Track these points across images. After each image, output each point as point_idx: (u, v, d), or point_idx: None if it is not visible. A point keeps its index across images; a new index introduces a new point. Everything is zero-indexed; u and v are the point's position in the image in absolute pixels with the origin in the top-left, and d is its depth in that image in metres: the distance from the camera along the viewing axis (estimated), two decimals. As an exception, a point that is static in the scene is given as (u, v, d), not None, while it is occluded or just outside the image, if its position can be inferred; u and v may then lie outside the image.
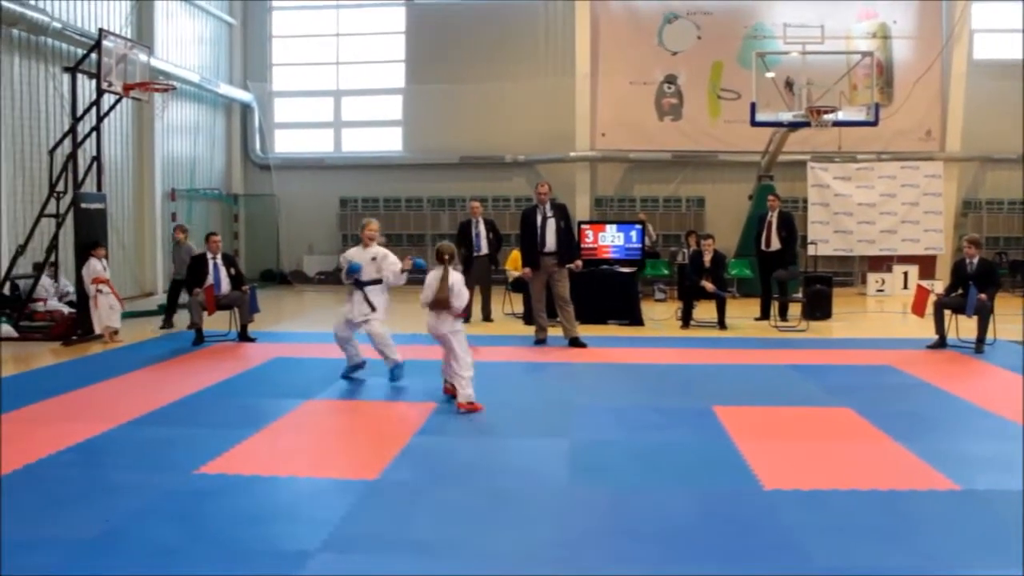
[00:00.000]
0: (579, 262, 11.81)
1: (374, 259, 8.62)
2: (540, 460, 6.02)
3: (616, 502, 5.15)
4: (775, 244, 13.71)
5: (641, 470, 5.78)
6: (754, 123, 16.60)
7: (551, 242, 10.96)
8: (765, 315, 13.48)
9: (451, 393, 7.76)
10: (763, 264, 13.91)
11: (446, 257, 7.69)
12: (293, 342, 11.40)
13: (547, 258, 10.98)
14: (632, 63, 20.10)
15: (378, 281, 8.65)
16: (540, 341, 11.20)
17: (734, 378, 9.05)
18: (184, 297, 12.12)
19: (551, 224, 10.95)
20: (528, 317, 13.18)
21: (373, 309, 8.55)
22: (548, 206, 11.07)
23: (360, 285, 8.61)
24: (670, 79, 20.14)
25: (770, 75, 16.85)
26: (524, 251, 11.27)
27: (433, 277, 7.66)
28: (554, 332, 11.36)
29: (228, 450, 6.21)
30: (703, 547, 4.44)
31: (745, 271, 17.04)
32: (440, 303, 7.55)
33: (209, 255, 11.61)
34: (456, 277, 7.66)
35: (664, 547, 4.42)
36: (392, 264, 8.64)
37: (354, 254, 8.74)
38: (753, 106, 16.39)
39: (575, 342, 10.98)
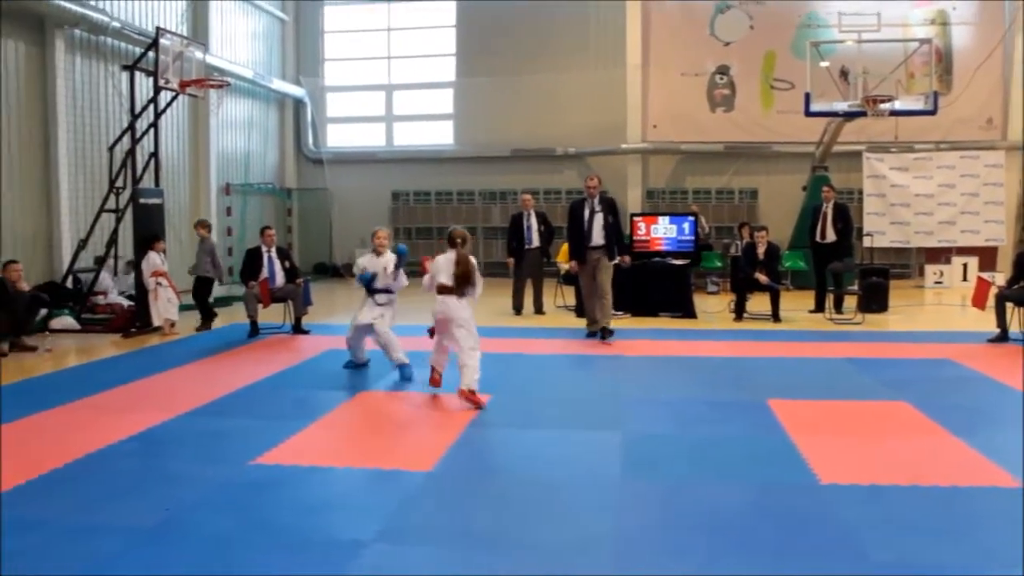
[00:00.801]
0: (627, 258, 11.63)
1: (386, 269, 8.67)
2: (593, 453, 6.01)
3: (669, 496, 5.11)
4: (830, 236, 13.53)
5: (695, 464, 5.74)
6: (808, 113, 16.33)
7: (598, 236, 10.83)
8: (820, 308, 13.32)
9: (438, 384, 7.80)
10: (818, 256, 13.73)
11: (458, 241, 7.66)
12: (346, 334, 11.47)
13: (593, 252, 10.87)
14: (683, 54, 19.92)
15: (389, 290, 8.72)
16: (592, 334, 11.08)
17: (788, 371, 8.95)
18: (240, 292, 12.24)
19: (598, 218, 10.83)
20: (580, 310, 13.16)
21: (381, 315, 8.61)
22: (597, 199, 10.93)
23: (372, 292, 8.68)
24: (722, 70, 19.93)
25: (824, 64, 16.57)
26: (571, 244, 11.17)
27: (445, 260, 7.61)
28: (616, 324, 11.30)
29: (283, 441, 6.29)
30: (758, 541, 4.39)
31: (799, 263, 16.82)
32: (464, 278, 7.50)
33: (264, 249, 11.75)
34: (471, 259, 7.69)
35: (718, 541, 4.38)
36: (390, 273, 8.68)
37: (367, 263, 8.80)
38: (807, 96, 16.14)
39: (604, 332, 10.83)
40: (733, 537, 4.44)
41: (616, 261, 11.01)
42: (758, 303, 12.96)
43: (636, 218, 14.71)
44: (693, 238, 14.31)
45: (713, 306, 14.17)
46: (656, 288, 13.24)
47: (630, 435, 6.45)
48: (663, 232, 14.21)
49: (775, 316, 12.53)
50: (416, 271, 9.03)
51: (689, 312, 13.02)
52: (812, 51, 16.52)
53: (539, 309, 13.57)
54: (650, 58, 20.08)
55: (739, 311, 12.81)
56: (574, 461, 5.81)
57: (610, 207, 11.03)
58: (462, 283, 7.54)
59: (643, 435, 6.47)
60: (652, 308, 13.12)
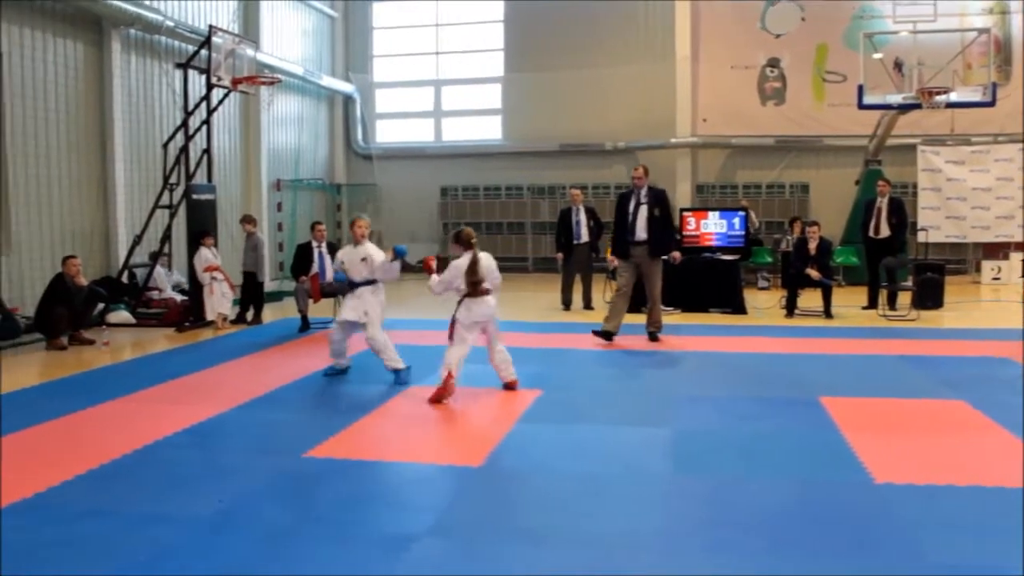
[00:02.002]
0: (676, 254, 11.25)
1: (364, 259, 8.24)
2: (643, 449, 5.99)
3: (720, 492, 5.07)
4: (884, 231, 13.32)
5: (746, 460, 5.69)
6: (861, 106, 16.09)
7: (641, 230, 10.19)
8: (873, 304, 13.12)
9: (453, 391, 7.40)
10: (871, 251, 13.53)
11: (473, 241, 7.62)
12: (396, 329, 11.48)
13: (637, 247, 10.23)
14: (733, 47, 19.74)
15: (372, 281, 8.29)
16: (606, 335, 10.25)
17: (841, 368, 8.82)
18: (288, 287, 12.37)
19: (643, 211, 10.20)
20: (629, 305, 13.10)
21: (365, 312, 8.21)
22: (643, 191, 10.31)
23: (353, 286, 8.32)
24: (773, 62, 19.71)
25: (878, 56, 16.31)
26: (613, 238, 10.69)
27: (463, 262, 7.52)
28: (666, 320, 11.18)
29: (335, 434, 6.35)
30: (810, 540, 4.33)
31: (852, 259, 16.59)
32: (478, 285, 7.46)
33: (314, 244, 11.86)
34: (487, 258, 7.65)
35: (770, 539, 4.34)
36: (380, 264, 8.21)
37: (345, 255, 8.45)
38: (860, 88, 15.90)
39: (652, 336, 10.43)
40: (784, 535, 4.39)
41: (665, 258, 10.60)
42: (809, 299, 12.81)
43: (686, 213, 14.61)
44: (743, 233, 14.18)
45: (763, 302, 14.03)
46: (706, 284, 13.15)
47: (679, 431, 6.41)
48: (713, 227, 14.09)
49: (827, 312, 12.37)
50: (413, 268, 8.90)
51: (739, 308, 12.92)
52: (866, 42, 16.26)
53: (588, 305, 13.54)
54: (699, 51, 19.93)
55: (790, 307, 12.67)
56: (623, 457, 5.79)
57: (658, 199, 10.39)
58: (475, 283, 7.50)
59: (693, 431, 6.43)
60: (702, 304, 13.04)
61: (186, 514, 4.70)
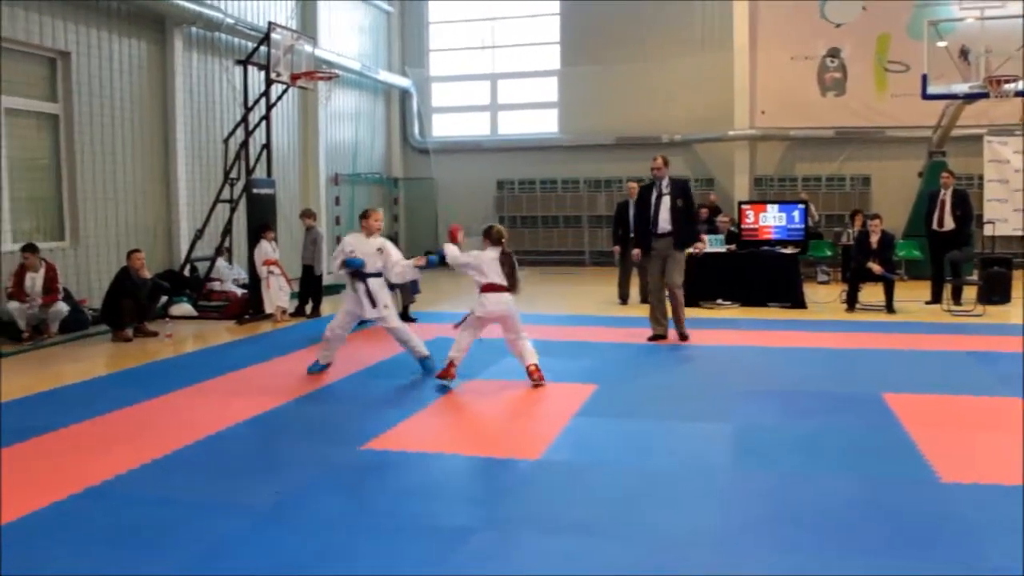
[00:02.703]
0: (700, 244, 10.99)
1: (379, 250, 8.12)
2: (702, 443, 5.93)
3: (780, 488, 5.00)
4: (948, 224, 13.03)
5: (808, 457, 5.60)
6: (925, 96, 15.74)
7: (664, 222, 9.84)
8: (937, 299, 12.83)
9: (453, 377, 7.71)
10: (934, 245, 13.24)
11: (504, 240, 7.67)
12: (453, 322, 11.57)
13: (660, 240, 9.90)
14: (793, 37, 19.46)
15: (379, 274, 8.19)
16: (656, 337, 10.06)
17: (905, 364, 8.65)
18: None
19: (665, 202, 9.84)
20: (687, 298, 12.99)
21: (374, 305, 8.11)
22: (664, 182, 9.94)
23: (362, 278, 8.12)
24: (833, 53, 19.40)
25: (943, 44, 15.92)
26: (636, 231, 10.54)
27: (490, 260, 7.59)
28: (724, 314, 11.09)
29: (392, 427, 6.40)
30: (872, 539, 4.25)
31: (914, 252, 16.25)
32: (514, 277, 7.59)
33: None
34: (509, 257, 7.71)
35: (831, 537, 4.26)
36: (397, 261, 8.16)
37: (354, 243, 8.19)
38: (924, 78, 15.55)
39: (682, 336, 9.98)
40: (846, 533, 4.30)
41: (689, 250, 10.32)
42: (871, 293, 12.59)
43: (744, 206, 14.43)
44: (803, 226, 13.96)
45: (823, 296, 13.81)
46: (764, 278, 12.99)
47: (739, 427, 6.34)
48: (772, 220, 13.89)
49: (889, 307, 12.13)
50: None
51: (798, 302, 12.73)
52: (930, 30, 15.89)
53: (645, 298, 13.42)
54: (758, 42, 19.68)
55: (851, 302, 12.45)
56: (681, 452, 5.75)
57: (680, 190, 10.01)
58: (514, 281, 7.63)
59: (753, 427, 6.35)
60: (760, 298, 12.88)
61: (245, 504, 4.77)
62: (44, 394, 7.75)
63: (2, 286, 10.73)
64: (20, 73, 11.69)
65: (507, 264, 7.64)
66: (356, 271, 8.10)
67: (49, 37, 11.78)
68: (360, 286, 8.12)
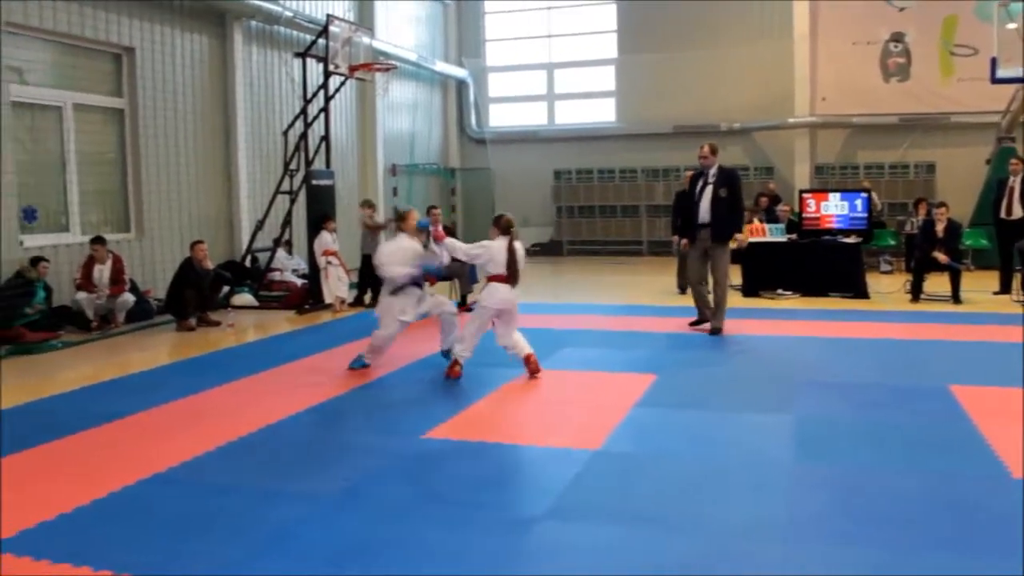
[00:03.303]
0: (741, 237, 10.79)
1: (428, 248, 8.01)
2: (763, 435, 5.87)
3: (844, 482, 4.91)
4: (1017, 212, 12.71)
5: (873, 450, 5.50)
6: (994, 80, 15.29)
7: (705, 212, 9.69)
8: (1005, 289, 12.51)
9: (456, 374, 7.61)
10: (1002, 233, 12.90)
11: (513, 229, 7.55)
12: (521, 313, 11.57)
13: (702, 230, 9.72)
14: (855, 22, 19.09)
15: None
16: (698, 322, 10.03)
17: (972, 356, 8.46)
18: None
19: (708, 192, 9.69)
20: (746, 288, 12.90)
21: (423, 302, 8.05)
22: (712, 171, 9.78)
23: (420, 283, 8.01)
24: (897, 37, 19.00)
25: (1013, 26, 15.46)
26: (682, 221, 10.39)
27: (499, 249, 7.49)
28: (784, 304, 10.94)
29: (453, 416, 6.43)
30: (939, 535, 4.15)
31: (981, 241, 15.86)
32: (515, 268, 7.49)
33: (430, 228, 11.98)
34: (520, 247, 7.62)
35: (896, 532, 4.18)
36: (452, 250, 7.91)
37: (413, 247, 7.96)
38: (994, 61, 15.11)
39: (714, 331, 9.74)
40: (913, 529, 4.22)
41: (733, 244, 10.13)
42: (936, 283, 12.32)
43: (805, 195, 14.20)
44: (866, 215, 13.69)
45: (887, 286, 13.55)
46: (826, 267, 12.78)
47: (801, 418, 6.25)
48: (834, 209, 13.64)
49: (955, 297, 11.87)
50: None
51: (861, 292, 12.51)
52: (1000, 12, 15.43)
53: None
54: (819, 28, 19.36)
55: (916, 292, 12.20)
56: (743, 443, 5.68)
57: (727, 180, 9.79)
58: (515, 274, 7.53)
59: (815, 418, 6.26)
60: (821, 288, 12.68)
61: (309, 491, 4.82)
62: (111, 382, 7.93)
63: (72, 277, 10.99)
64: (87, 69, 11.95)
65: (511, 254, 7.53)
66: (430, 275, 8.03)
67: (115, 34, 12.01)
68: (415, 291, 7.97)
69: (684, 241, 10.25)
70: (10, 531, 4.28)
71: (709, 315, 9.90)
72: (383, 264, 7.90)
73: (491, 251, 7.57)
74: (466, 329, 7.76)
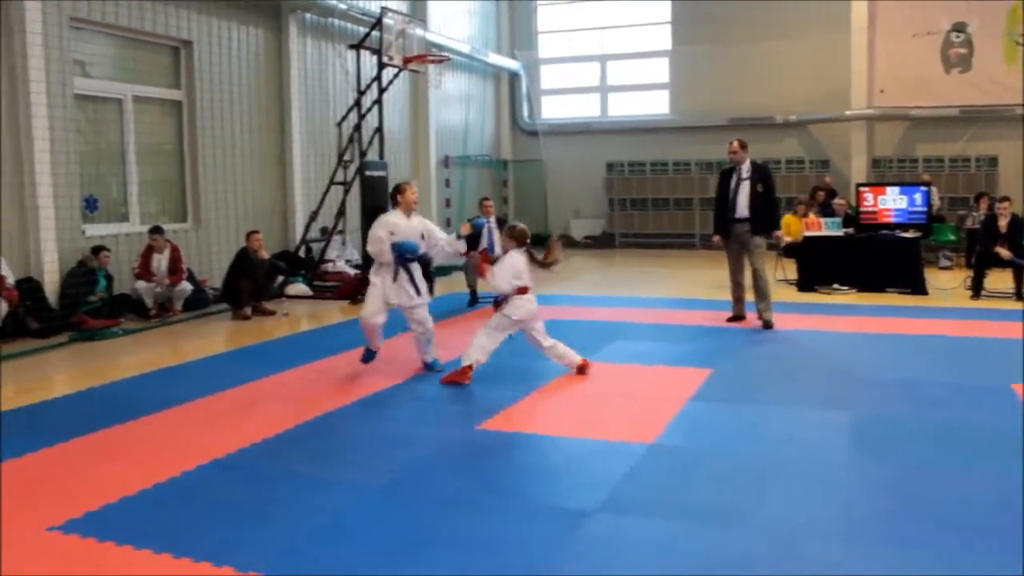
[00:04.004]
0: (778, 232, 10.82)
1: (422, 236, 7.52)
2: (820, 432, 5.79)
3: (903, 482, 4.82)
4: (1084, 206, 12.37)
5: (933, 449, 5.40)
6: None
7: (742, 207, 9.69)
8: (1071, 285, 12.20)
9: (456, 380, 7.17)
10: (1069, 229, 12.57)
11: (528, 240, 7.31)
12: (564, 304, 11.54)
13: (738, 225, 9.73)
14: (914, 13, 18.68)
15: (421, 257, 7.68)
16: (735, 318, 10.09)
17: (1036, 354, 8.26)
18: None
19: (745, 187, 9.71)
20: (801, 283, 12.75)
21: (419, 292, 7.55)
22: (745, 167, 9.82)
23: (407, 264, 7.51)
24: (959, 27, 18.56)
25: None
26: (715, 215, 10.28)
27: (520, 262, 7.22)
28: (841, 299, 10.76)
29: (506, 408, 6.44)
30: (1004, 539, 4.04)
31: (1046, 237, 15.47)
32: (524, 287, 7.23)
33: (484, 219, 12.01)
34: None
35: (956, 535, 4.09)
36: (440, 238, 7.63)
37: (397, 223, 7.44)
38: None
39: (766, 324, 9.69)
40: (975, 532, 4.12)
41: (770, 239, 10.09)
42: (998, 280, 12.05)
43: (862, 188, 13.98)
44: (925, 209, 13.43)
45: (946, 282, 13.28)
46: (883, 262, 12.56)
47: (859, 415, 6.16)
48: (892, 203, 13.41)
49: (1018, 294, 11.60)
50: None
51: (919, 288, 12.27)
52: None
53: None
54: (877, 19, 18.98)
55: (977, 288, 11.94)
56: (799, 439, 5.61)
57: (761, 175, 9.86)
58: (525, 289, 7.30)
59: (874, 416, 6.17)
60: (879, 283, 12.46)
61: (363, 481, 4.86)
62: (169, 369, 8.08)
63: (131, 266, 11.20)
64: (146, 62, 12.16)
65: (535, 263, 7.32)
66: (405, 255, 7.44)
67: (173, 27, 12.20)
68: (403, 274, 7.48)
69: (717, 237, 10.19)
70: (77, 512, 4.38)
71: (740, 310, 10.02)
72: (369, 240, 7.59)
73: (520, 269, 7.21)
74: (480, 337, 7.29)
